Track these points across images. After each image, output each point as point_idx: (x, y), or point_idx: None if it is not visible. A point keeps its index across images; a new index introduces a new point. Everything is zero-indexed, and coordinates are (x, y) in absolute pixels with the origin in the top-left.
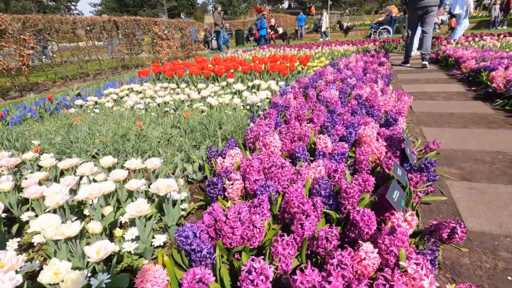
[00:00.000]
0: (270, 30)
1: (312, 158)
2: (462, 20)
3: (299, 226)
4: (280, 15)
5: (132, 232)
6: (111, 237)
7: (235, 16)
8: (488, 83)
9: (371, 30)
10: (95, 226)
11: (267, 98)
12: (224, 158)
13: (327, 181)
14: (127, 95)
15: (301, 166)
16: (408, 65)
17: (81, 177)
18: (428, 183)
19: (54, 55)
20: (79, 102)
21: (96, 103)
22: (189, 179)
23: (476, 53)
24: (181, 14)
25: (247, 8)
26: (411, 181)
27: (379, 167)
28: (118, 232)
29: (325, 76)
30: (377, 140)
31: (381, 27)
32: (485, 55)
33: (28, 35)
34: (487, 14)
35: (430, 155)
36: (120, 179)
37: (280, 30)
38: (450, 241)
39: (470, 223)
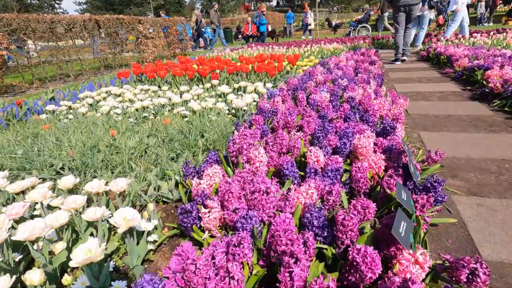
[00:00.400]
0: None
1: (302, 173)
2: (456, 17)
3: (287, 274)
4: (268, 13)
5: (83, 281)
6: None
7: (223, 14)
8: (484, 82)
9: (350, 28)
10: (33, 277)
11: (254, 101)
12: (201, 178)
13: (319, 208)
14: (104, 98)
15: (289, 190)
16: (399, 62)
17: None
18: (436, 206)
19: (31, 56)
20: (51, 107)
21: (70, 108)
22: (163, 199)
23: (468, 51)
24: (161, 12)
25: (235, 6)
26: (416, 204)
27: (379, 187)
28: (66, 280)
29: (315, 76)
30: (375, 152)
31: (359, 25)
32: (478, 53)
33: (1, 35)
34: (473, 11)
35: (434, 168)
36: (76, 207)
37: (269, 28)
38: (470, 284)
39: (485, 251)
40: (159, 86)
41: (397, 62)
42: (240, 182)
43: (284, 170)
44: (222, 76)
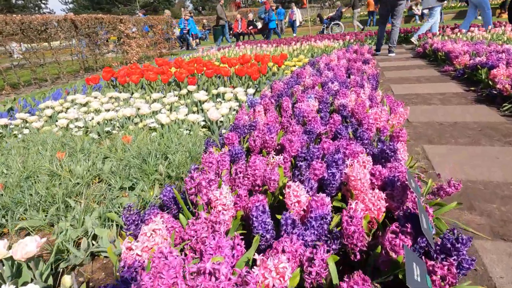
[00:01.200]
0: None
1: (279, 216)
2: (433, 14)
3: None
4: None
5: None
6: None
7: (213, 11)
8: (490, 82)
9: (324, 26)
10: None
11: (234, 110)
12: (137, 237)
13: None
14: (67, 109)
15: (248, 275)
16: (379, 52)
17: None
18: (461, 276)
19: (16, 58)
20: (2, 121)
21: (26, 121)
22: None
23: (468, 47)
24: (139, 11)
25: (225, 3)
26: (433, 276)
27: (379, 248)
28: None
29: (303, 79)
30: (372, 185)
31: (332, 23)
32: (478, 48)
33: None
34: (465, 4)
35: (449, 207)
36: None
37: (260, 25)
38: None
39: None
40: (132, 93)
41: (377, 52)
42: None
43: (253, 220)
44: (202, 80)
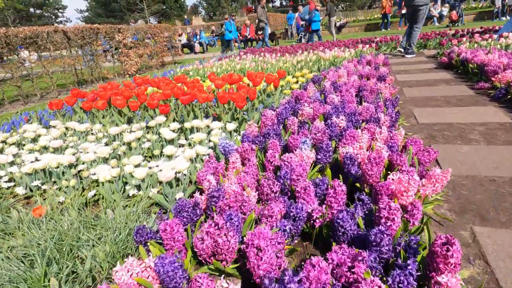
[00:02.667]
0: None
1: None
2: None
3: None
4: (269, 14)
5: None
6: None
7: (224, 17)
8: None
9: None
10: None
11: (206, 154)
12: None
13: None
14: (12, 144)
15: None
16: (410, 56)
17: None
18: None
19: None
20: None
21: None
22: None
23: (508, 59)
24: (130, 21)
25: (236, 8)
26: None
27: None
28: None
29: (302, 104)
30: None
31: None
32: None
33: None
34: (487, 4)
35: None
36: None
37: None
38: None
39: None
40: (99, 122)
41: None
42: None
43: None
44: (180, 108)
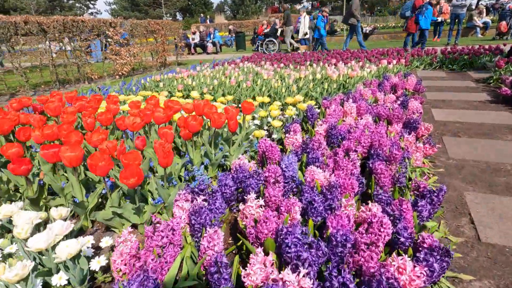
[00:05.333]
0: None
1: None
2: None
3: None
4: (293, 16)
5: None
6: None
7: (247, 16)
8: None
9: (258, 42)
10: None
11: None
12: None
13: None
14: None
15: None
16: None
17: None
18: None
19: None
20: None
21: None
22: None
23: None
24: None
25: (260, 7)
26: None
27: None
28: None
29: (269, 195)
30: None
31: (267, 39)
32: None
33: None
34: None
35: None
36: None
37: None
38: None
39: None
40: None
41: None
42: None
43: None
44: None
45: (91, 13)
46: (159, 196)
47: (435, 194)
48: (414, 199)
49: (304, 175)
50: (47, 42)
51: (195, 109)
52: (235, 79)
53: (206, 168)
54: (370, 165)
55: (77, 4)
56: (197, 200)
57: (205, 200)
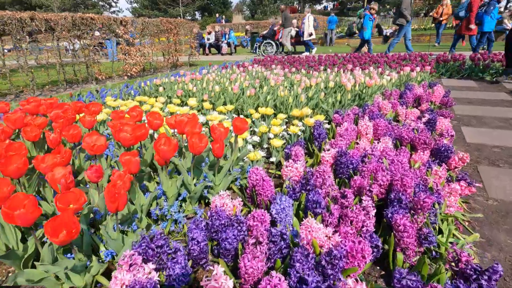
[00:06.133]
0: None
1: None
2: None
3: None
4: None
5: None
6: None
7: (265, 16)
8: None
9: (256, 44)
10: None
11: None
12: None
13: None
14: None
15: None
16: None
17: None
18: None
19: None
20: None
21: None
22: None
23: None
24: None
25: (278, 7)
26: None
27: None
28: None
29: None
30: None
31: (265, 41)
32: None
33: None
34: None
35: None
36: None
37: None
38: None
39: None
40: None
41: None
42: None
43: None
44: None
45: (114, 12)
46: (110, 248)
47: (486, 276)
48: (452, 282)
49: (300, 226)
50: (55, 41)
51: (176, 127)
52: (239, 85)
53: (184, 200)
54: (389, 216)
55: (100, 3)
56: (143, 269)
57: (160, 265)
